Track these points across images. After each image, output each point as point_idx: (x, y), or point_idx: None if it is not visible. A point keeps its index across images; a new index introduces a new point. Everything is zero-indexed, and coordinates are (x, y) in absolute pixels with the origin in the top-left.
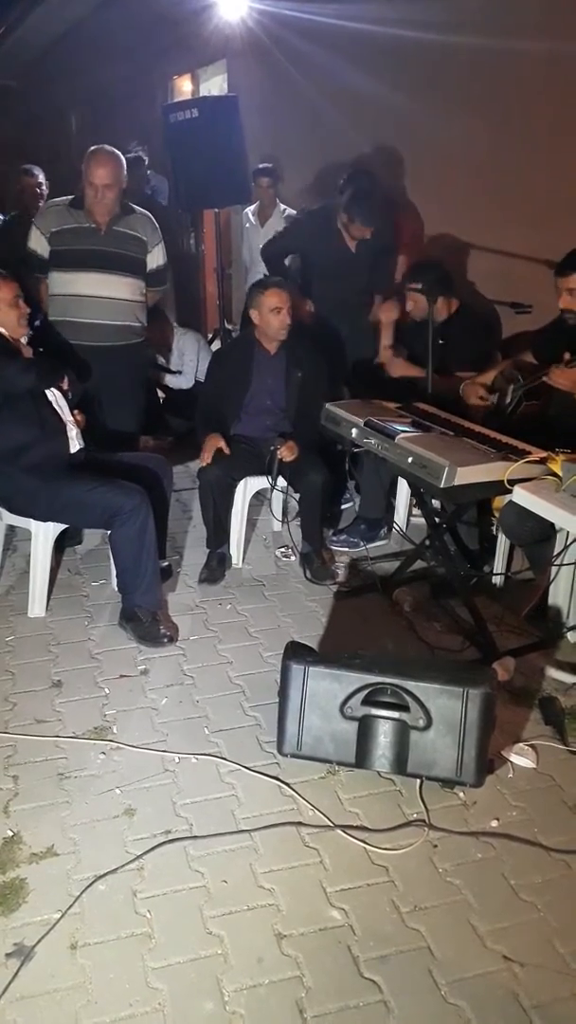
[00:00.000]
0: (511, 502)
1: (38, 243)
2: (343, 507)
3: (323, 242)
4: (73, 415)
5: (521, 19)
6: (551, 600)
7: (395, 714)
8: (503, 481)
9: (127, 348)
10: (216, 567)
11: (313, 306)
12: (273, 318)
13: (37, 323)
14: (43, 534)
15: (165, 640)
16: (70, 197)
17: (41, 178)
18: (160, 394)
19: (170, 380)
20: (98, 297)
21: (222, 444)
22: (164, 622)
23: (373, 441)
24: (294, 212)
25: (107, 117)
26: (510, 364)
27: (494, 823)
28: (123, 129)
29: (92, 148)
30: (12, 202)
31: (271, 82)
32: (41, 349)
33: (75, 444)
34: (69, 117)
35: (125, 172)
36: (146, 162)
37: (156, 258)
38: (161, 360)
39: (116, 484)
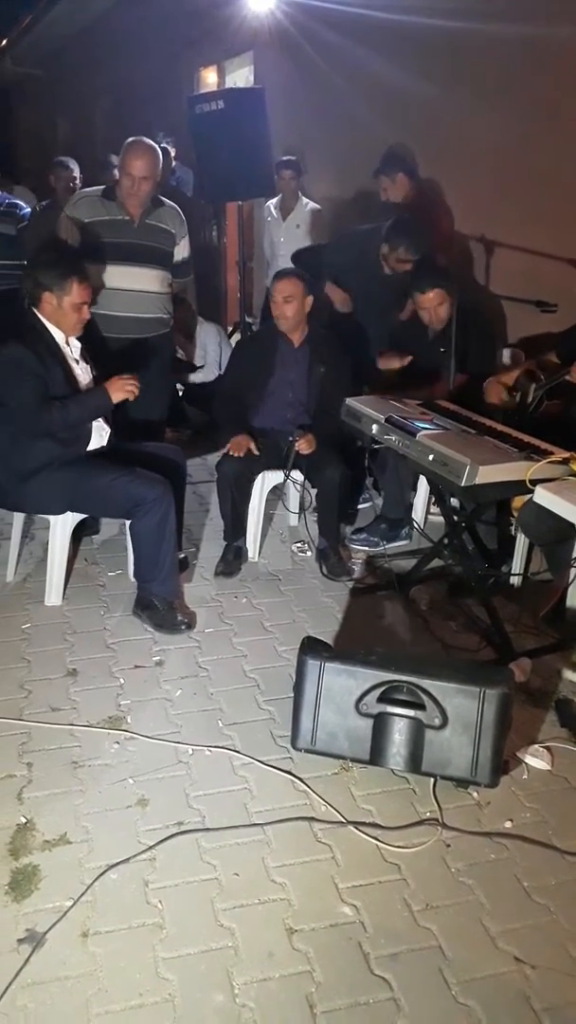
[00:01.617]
0: (531, 501)
1: (69, 233)
2: (360, 507)
3: (360, 265)
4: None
5: (553, 7)
6: (569, 601)
7: (411, 712)
8: (525, 481)
9: (156, 339)
10: (232, 560)
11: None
12: (282, 307)
13: None
14: (61, 523)
15: (182, 627)
16: (101, 188)
17: (76, 172)
18: (179, 386)
19: (194, 377)
20: (130, 290)
21: (252, 446)
22: (180, 610)
23: (393, 438)
24: (317, 206)
25: (133, 107)
26: (533, 364)
27: (508, 824)
28: (149, 120)
29: (130, 140)
30: (42, 193)
31: (298, 74)
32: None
33: (103, 439)
34: (94, 107)
35: (160, 166)
36: (172, 154)
37: (182, 250)
38: (181, 354)
39: (139, 474)
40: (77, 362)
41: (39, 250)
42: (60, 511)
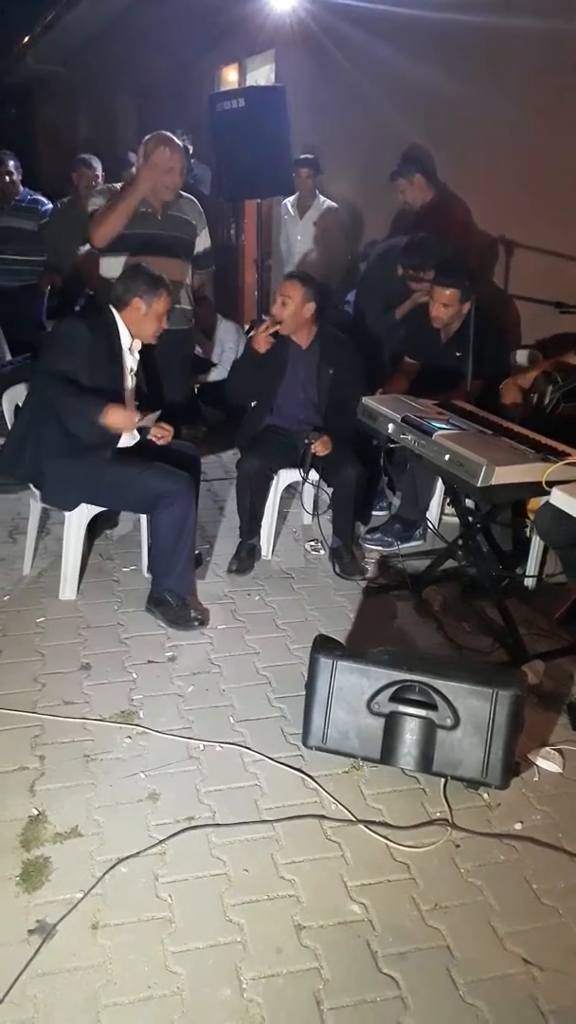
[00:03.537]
0: (547, 504)
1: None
2: (376, 513)
3: (387, 276)
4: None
5: None
6: None
7: (423, 712)
8: (541, 482)
9: (178, 333)
10: (246, 558)
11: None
12: (279, 308)
13: (77, 308)
14: (76, 518)
15: (196, 623)
16: (120, 184)
17: (99, 170)
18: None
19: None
20: None
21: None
22: (194, 607)
23: (410, 437)
24: (334, 204)
25: (152, 104)
26: (551, 365)
27: (518, 826)
28: (168, 117)
29: (154, 134)
30: (64, 190)
31: (319, 72)
32: None
33: (133, 437)
34: (115, 104)
35: (184, 160)
36: (190, 151)
37: (203, 241)
38: (198, 350)
39: (163, 469)
40: (132, 371)
41: (133, 268)
42: (73, 506)
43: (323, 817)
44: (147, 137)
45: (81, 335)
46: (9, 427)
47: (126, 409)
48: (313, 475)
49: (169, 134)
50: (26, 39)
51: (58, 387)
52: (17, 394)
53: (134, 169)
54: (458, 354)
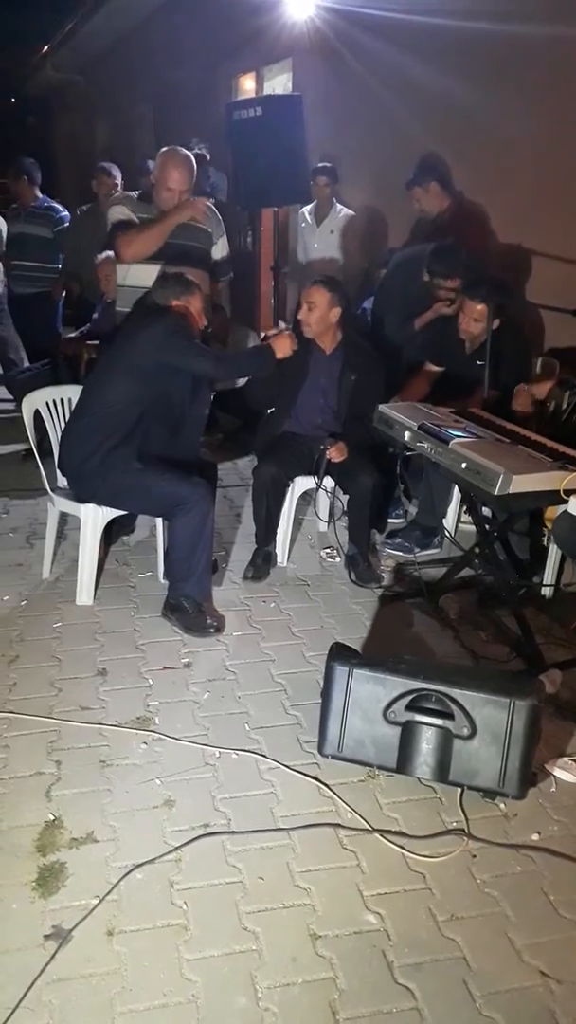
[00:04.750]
0: (565, 512)
1: (126, 216)
2: (392, 521)
3: (408, 285)
4: None
5: None
6: None
7: (439, 721)
8: (559, 491)
9: None
10: (261, 565)
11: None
12: (305, 314)
13: (95, 315)
14: (92, 522)
15: (212, 630)
16: (138, 192)
17: (118, 178)
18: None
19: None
20: None
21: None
22: (210, 613)
23: (426, 445)
24: (351, 212)
25: (170, 113)
26: (567, 373)
27: (535, 836)
28: (185, 126)
29: (166, 149)
30: (82, 198)
31: (336, 81)
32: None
33: None
34: (132, 112)
35: (195, 173)
36: (208, 159)
37: (221, 249)
38: None
39: (183, 474)
40: None
41: (160, 277)
42: (100, 502)
43: (339, 826)
44: (163, 150)
45: (185, 322)
46: (30, 432)
47: (280, 336)
48: (328, 482)
49: (181, 151)
50: (45, 49)
51: (224, 362)
52: (36, 400)
53: (152, 178)
54: (480, 363)
